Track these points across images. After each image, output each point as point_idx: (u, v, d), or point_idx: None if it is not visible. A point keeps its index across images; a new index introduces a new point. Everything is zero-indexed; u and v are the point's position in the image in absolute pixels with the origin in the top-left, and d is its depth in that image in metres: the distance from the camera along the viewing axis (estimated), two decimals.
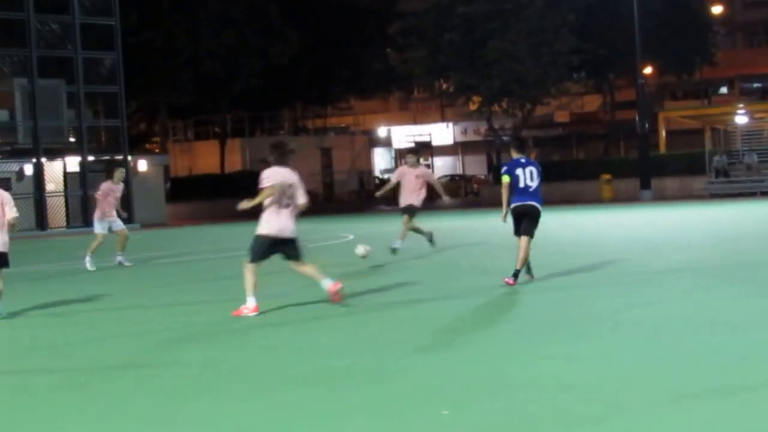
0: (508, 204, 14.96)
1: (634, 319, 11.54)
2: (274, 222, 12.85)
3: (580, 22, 55.88)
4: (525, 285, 14.94)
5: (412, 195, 19.80)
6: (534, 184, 14.94)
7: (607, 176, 50.41)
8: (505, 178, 15.01)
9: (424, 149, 73.56)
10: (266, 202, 12.82)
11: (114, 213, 21.77)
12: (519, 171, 14.94)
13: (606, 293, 14.07)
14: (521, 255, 14.86)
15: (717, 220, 30.39)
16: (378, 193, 21.80)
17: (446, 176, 76.37)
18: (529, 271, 15.29)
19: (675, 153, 53.09)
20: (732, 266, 16.90)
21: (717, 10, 69.55)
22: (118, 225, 21.80)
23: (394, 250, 19.83)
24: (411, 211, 19.92)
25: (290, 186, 12.85)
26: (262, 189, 12.83)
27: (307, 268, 13.30)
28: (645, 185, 48.56)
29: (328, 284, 13.17)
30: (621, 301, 13.19)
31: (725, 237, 23.80)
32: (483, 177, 73.22)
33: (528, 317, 12.40)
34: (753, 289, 13.83)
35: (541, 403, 7.72)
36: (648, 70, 63.20)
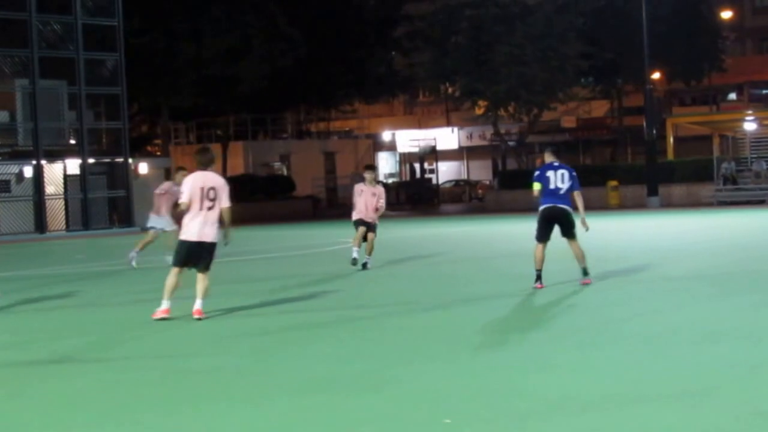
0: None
1: (640, 328, 11.48)
2: (193, 227, 12.92)
3: (588, 27, 55.53)
4: (530, 294, 14.83)
5: (369, 212, 19.63)
6: (564, 186, 15.17)
7: (614, 183, 49.96)
8: (536, 186, 15.26)
9: (429, 154, 73.21)
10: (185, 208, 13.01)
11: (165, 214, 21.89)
12: (550, 173, 15.20)
13: (612, 301, 13.96)
14: (577, 254, 15.38)
15: (724, 228, 30.11)
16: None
17: (451, 181, 76.02)
18: (539, 279, 15.23)
19: (683, 160, 52.58)
20: (739, 275, 16.88)
21: (726, 15, 69.15)
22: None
23: (354, 261, 19.56)
24: (368, 226, 19.65)
25: (211, 189, 12.90)
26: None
27: (202, 284, 13.14)
28: (652, 192, 48.11)
29: (198, 304, 13.07)
30: (627, 309, 13.14)
31: (733, 245, 23.59)
32: (488, 182, 72.75)
33: (533, 326, 12.30)
34: (761, 298, 13.73)
35: (544, 413, 7.68)
36: (656, 75, 62.81)
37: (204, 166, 13.25)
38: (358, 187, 20.05)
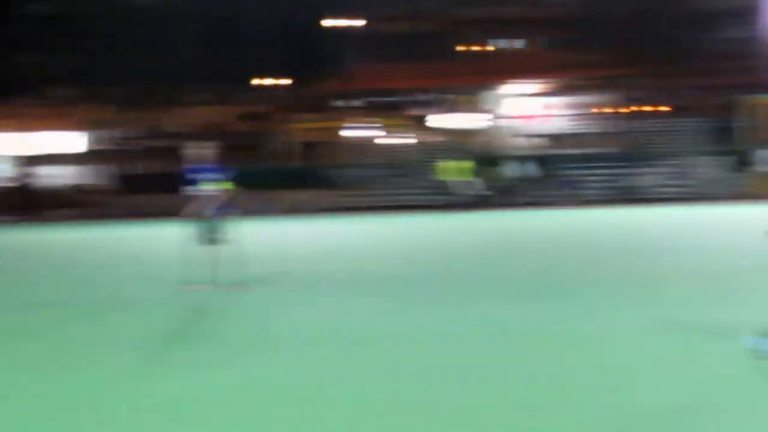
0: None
1: (253, 334, 11.58)
2: None
3: (207, 33, 55.68)
4: (170, 299, 14.77)
5: None
6: None
7: (230, 185, 50.00)
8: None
9: (36, 158, 70.95)
10: None
11: None
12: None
13: (233, 308, 13.94)
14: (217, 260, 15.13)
15: (327, 236, 30.71)
16: None
17: (65, 186, 73.95)
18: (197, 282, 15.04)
19: (290, 165, 53.41)
20: (358, 280, 17.18)
21: (349, 23, 70.52)
22: None
23: None
24: None
25: None
26: None
27: None
28: (267, 198, 48.55)
29: None
30: (248, 316, 13.21)
31: (342, 251, 24.13)
32: (107, 187, 71.35)
33: (169, 330, 12.18)
34: (374, 300, 14.18)
35: (152, 414, 7.78)
36: (275, 81, 63.67)
37: None
38: None
